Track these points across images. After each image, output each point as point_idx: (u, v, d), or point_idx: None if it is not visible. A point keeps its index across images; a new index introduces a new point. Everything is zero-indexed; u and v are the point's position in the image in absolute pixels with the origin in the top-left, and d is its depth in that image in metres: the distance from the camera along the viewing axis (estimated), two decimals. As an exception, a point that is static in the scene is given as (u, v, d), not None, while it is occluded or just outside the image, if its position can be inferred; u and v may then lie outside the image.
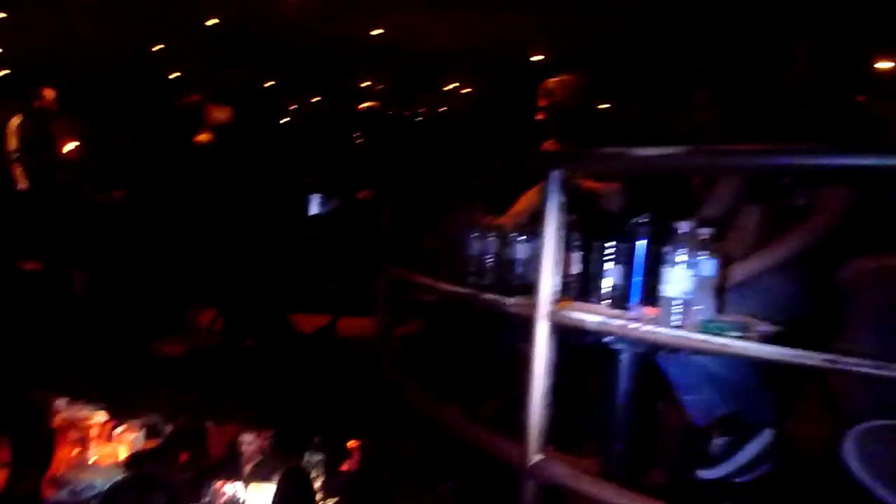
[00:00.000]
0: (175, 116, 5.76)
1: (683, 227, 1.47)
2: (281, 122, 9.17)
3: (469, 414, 1.92)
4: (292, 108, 9.76)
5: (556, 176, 1.20)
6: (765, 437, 2.01)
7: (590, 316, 1.48)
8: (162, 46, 7.89)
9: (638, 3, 4.94)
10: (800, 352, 0.98)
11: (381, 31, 6.36)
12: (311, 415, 3.02)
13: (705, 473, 1.97)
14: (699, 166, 1.16)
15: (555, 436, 1.62)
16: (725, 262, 2.15)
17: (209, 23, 6.75)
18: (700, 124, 2.69)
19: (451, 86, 8.97)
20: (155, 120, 6.62)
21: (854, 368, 0.93)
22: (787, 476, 1.96)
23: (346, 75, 8.66)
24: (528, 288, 1.36)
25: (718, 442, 2.04)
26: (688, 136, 2.92)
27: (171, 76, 8.84)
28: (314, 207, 5.37)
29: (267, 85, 8.84)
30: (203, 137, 4.65)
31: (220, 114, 4.67)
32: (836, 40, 2.15)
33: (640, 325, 1.23)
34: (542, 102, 3.15)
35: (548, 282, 1.25)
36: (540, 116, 3.10)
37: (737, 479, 1.96)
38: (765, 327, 1.62)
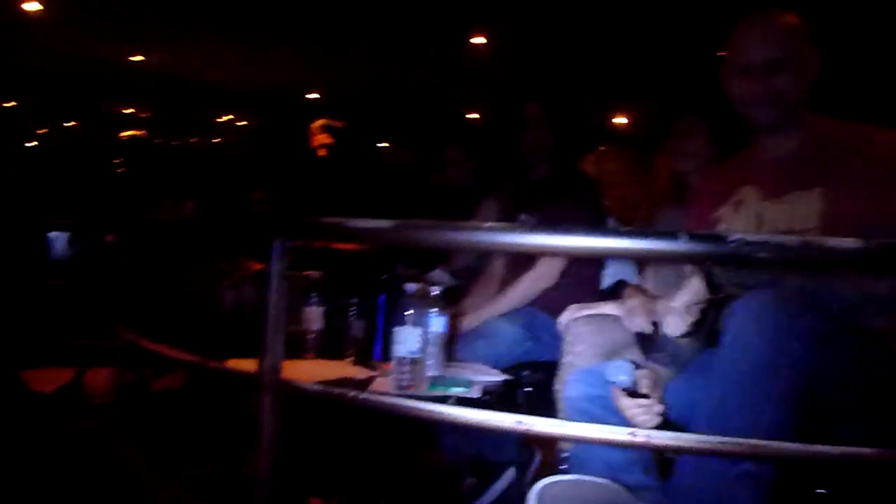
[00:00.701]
0: None
1: (411, 287, 1.53)
2: (25, 146, 8.14)
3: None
4: (41, 131, 8.75)
5: (277, 244, 1.17)
6: (508, 476, 2.15)
7: (316, 381, 1.47)
8: None
9: (404, 53, 5.18)
10: (496, 414, 1.05)
11: (141, 57, 5.96)
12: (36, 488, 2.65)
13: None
14: (408, 239, 1.20)
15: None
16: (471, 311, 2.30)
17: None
18: (452, 178, 2.88)
19: (226, 118, 8.67)
20: None
21: (536, 429, 1.01)
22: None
23: (107, 101, 7.99)
24: (254, 351, 1.32)
25: (469, 482, 2.14)
26: (442, 188, 3.10)
27: None
28: (58, 249, 4.80)
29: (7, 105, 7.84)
30: None
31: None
32: (567, 104, 2.40)
33: (360, 394, 1.25)
34: (317, 141, 3.20)
35: (271, 346, 1.23)
36: (322, 153, 3.14)
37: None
38: (492, 377, 1.74)
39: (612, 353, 1.94)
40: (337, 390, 1.30)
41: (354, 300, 1.84)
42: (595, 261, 2.29)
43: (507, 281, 2.34)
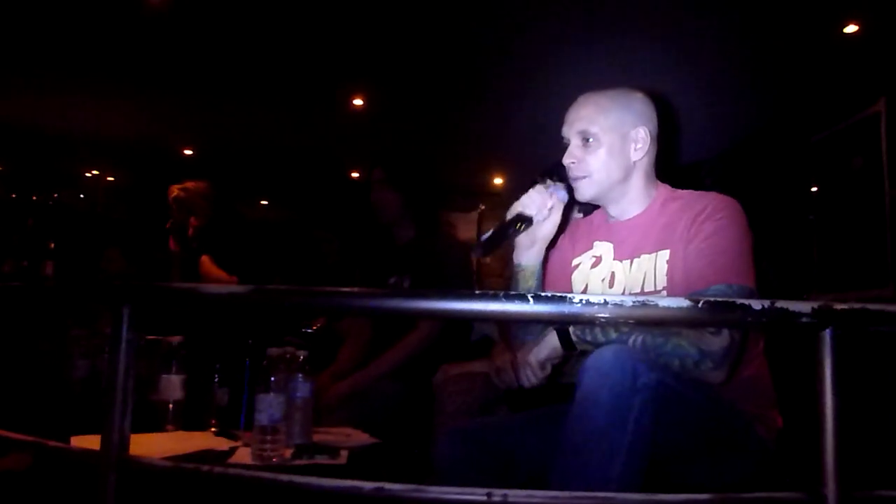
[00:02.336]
0: None
1: (273, 350, 1.49)
2: None
3: None
4: None
5: (125, 311, 1.11)
6: None
7: (172, 455, 1.38)
8: None
9: (283, 109, 5.16)
10: (351, 482, 1.03)
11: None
12: None
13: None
14: (265, 303, 1.17)
15: None
16: (337, 375, 2.26)
17: None
18: (326, 252, 2.88)
19: (93, 173, 8.21)
20: None
21: (397, 494, 1.00)
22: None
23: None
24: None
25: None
26: (312, 245, 3.09)
27: None
28: None
29: None
30: None
31: None
32: (423, 166, 2.47)
33: (215, 468, 1.18)
34: (175, 210, 3.05)
35: (117, 420, 1.15)
36: (168, 226, 2.99)
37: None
38: (360, 441, 1.71)
39: (482, 411, 1.97)
40: (188, 465, 1.23)
41: (218, 366, 1.77)
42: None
43: (375, 343, 2.34)
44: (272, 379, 1.49)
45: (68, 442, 1.50)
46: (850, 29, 3.46)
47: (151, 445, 1.52)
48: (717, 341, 1.24)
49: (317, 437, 1.66)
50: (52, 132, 6.32)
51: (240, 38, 3.99)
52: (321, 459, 1.46)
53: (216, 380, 1.77)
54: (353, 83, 4.67)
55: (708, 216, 1.36)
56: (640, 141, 1.46)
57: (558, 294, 0.92)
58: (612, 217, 1.54)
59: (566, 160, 1.48)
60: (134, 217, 7.10)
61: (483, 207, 7.03)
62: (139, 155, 6.79)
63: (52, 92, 5.18)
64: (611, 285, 1.48)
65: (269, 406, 1.46)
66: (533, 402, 1.64)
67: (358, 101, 4.92)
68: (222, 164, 6.43)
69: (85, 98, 5.29)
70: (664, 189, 1.51)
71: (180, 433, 1.73)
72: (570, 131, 1.48)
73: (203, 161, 6.57)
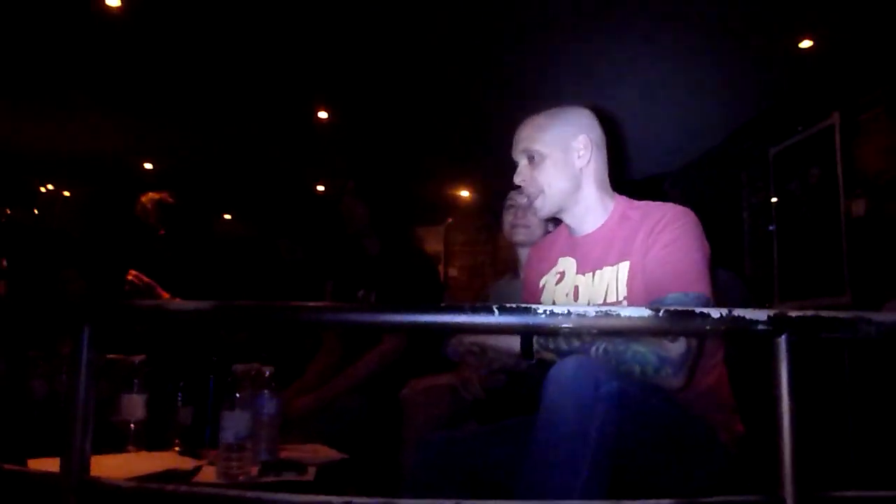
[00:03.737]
0: None
1: (238, 367, 1.49)
2: None
3: None
4: None
5: (86, 331, 1.10)
6: None
7: (134, 476, 1.37)
8: None
9: (245, 121, 5.13)
10: (320, 497, 1.03)
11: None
12: None
13: None
14: (234, 322, 1.17)
15: None
16: (303, 391, 2.25)
17: None
18: (287, 257, 2.87)
19: (48, 188, 8.04)
20: None
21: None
22: None
23: None
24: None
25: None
26: (277, 259, 3.08)
27: None
28: None
29: None
30: None
31: None
32: (392, 179, 2.49)
33: (179, 487, 1.17)
34: (149, 217, 3.08)
35: (78, 442, 1.13)
36: (162, 232, 3.02)
37: None
38: (328, 457, 1.70)
39: (450, 424, 1.98)
40: (152, 485, 1.21)
41: (181, 384, 1.75)
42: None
43: (344, 357, 2.34)
44: (237, 396, 1.48)
45: (25, 465, 1.47)
46: (806, 44, 3.58)
47: (113, 467, 1.50)
48: (675, 348, 1.28)
49: (284, 454, 1.65)
50: (5, 146, 6.19)
51: (200, 50, 3.96)
52: (288, 476, 1.45)
53: (179, 398, 1.75)
54: (318, 96, 4.67)
55: (664, 227, 1.41)
56: (581, 148, 1.54)
57: (523, 305, 0.94)
58: (574, 231, 1.58)
59: (517, 180, 1.56)
60: (92, 234, 6.96)
61: (451, 220, 7.07)
62: (97, 169, 6.68)
63: (3, 104, 5.08)
64: (575, 298, 1.52)
65: (234, 423, 1.45)
66: (500, 414, 1.66)
67: (323, 114, 4.92)
68: (184, 177, 6.35)
69: (40, 110, 5.19)
70: (622, 200, 1.56)
71: (143, 453, 1.71)
72: (517, 152, 1.57)
73: (164, 175, 6.48)
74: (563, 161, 1.52)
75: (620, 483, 1.15)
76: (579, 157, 1.53)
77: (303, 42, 3.80)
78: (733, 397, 1.49)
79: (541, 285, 1.64)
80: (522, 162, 1.55)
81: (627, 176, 5.58)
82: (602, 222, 1.54)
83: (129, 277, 2.35)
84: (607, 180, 1.58)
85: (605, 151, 1.57)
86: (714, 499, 0.91)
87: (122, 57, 4.08)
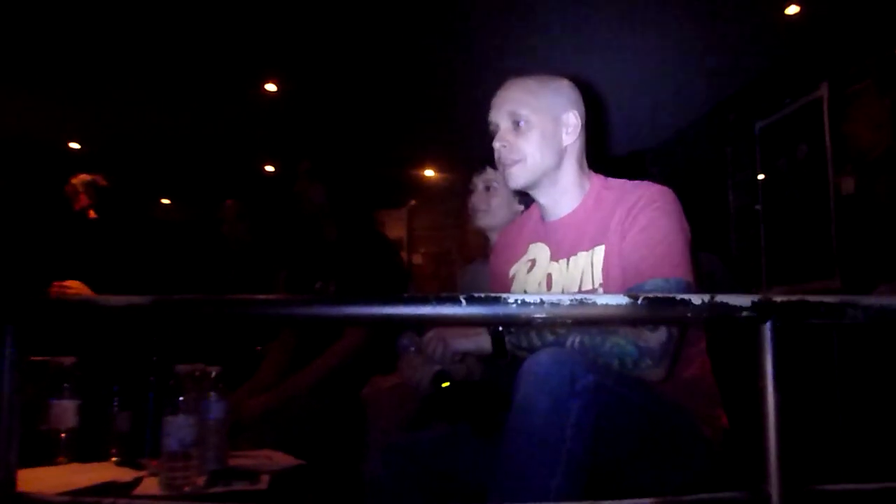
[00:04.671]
0: None
1: (182, 367, 1.48)
2: None
3: None
4: None
5: (8, 331, 1.08)
6: None
7: (66, 490, 1.35)
8: None
9: (184, 98, 5.04)
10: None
11: None
12: None
13: None
14: (171, 315, 1.16)
15: None
16: (255, 391, 2.24)
17: None
18: (229, 237, 2.83)
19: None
20: None
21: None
22: None
23: None
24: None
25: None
26: (222, 246, 3.05)
27: None
28: None
29: None
30: None
31: None
32: (352, 159, 2.48)
33: (118, 501, 1.17)
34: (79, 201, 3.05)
35: (2, 454, 1.11)
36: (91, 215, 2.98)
37: None
38: (282, 464, 1.70)
39: (418, 426, 1.99)
40: (88, 499, 1.20)
41: (117, 388, 1.73)
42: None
43: (300, 354, 2.33)
44: (181, 399, 1.47)
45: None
46: (792, 10, 3.65)
47: (43, 480, 1.48)
48: (655, 337, 1.30)
49: (233, 462, 1.65)
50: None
51: (130, 14, 3.87)
52: (239, 486, 1.45)
53: (115, 403, 1.73)
54: (266, 66, 4.61)
55: (642, 208, 1.42)
56: (570, 125, 1.54)
57: (492, 295, 0.95)
58: (547, 214, 1.59)
59: (497, 143, 1.54)
60: (7, 222, 6.78)
61: (413, 202, 7.06)
62: (15, 149, 6.50)
63: None
64: (548, 288, 1.53)
65: (178, 429, 1.44)
66: (474, 412, 1.67)
67: (271, 87, 4.86)
68: (117, 159, 6.22)
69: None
70: (597, 180, 1.57)
71: (76, 465, 1.69)
72: (499, 115, 1.54)
73: (94, 157, 6.33)
74: (551, 133, 1.51)
75: (598, 482, 1.18)
76: (567, 133, 1.53)
77: (247, 4, 3.74)
78: (717, 388, 1.53)
79: (510, 275, 1.65)
80: (505, 125, 1.53)
81: (606, 152, 5.64)
82: (577, 205, 1.55)
83: (53, 290, 2.29)
84: (585, 159, 1.59)
85: (585, 129, 1.58)
86: (694, 497, 0.94)
87: (41, 25, 3.97)
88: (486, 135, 1.59)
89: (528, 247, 1.63)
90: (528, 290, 1.57)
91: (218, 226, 2.87)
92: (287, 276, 2.51)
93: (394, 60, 4.38)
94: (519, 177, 1.52)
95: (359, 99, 5.00)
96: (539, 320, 0.96)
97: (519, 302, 0.95)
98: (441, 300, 0.99)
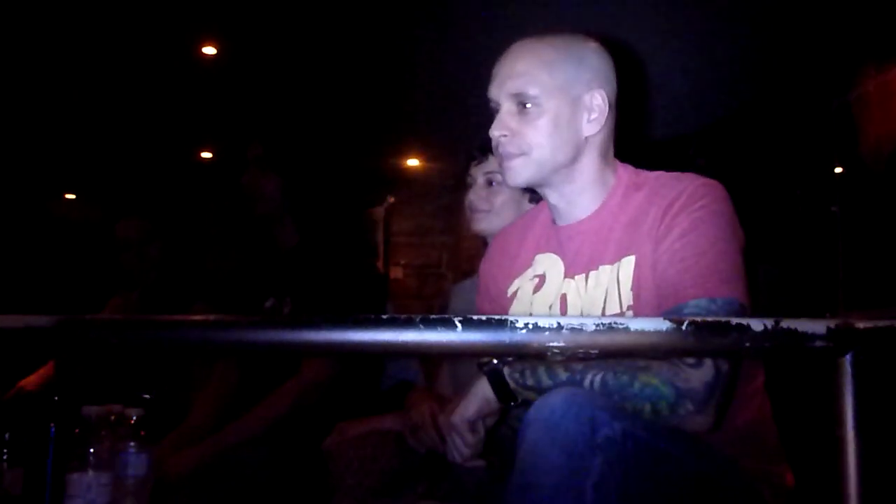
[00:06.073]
0: None
1: (91, 410, 1.48)
2: None
3: None
4: None
5: None
6: None
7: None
8: None
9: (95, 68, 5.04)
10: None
11: None
12: None
13: None
14: (77, 341, 1.17)
15: None
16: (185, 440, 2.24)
17: None
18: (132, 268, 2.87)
19: None
20: None
21: None
22: None
23: None
24: None
25: None
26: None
27: None
28: None
29: None
30: None
31: None
32: (298, 144, 2.49)
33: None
34: None
35: None
36: None
37: None
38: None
39: (394, 487, 2.00)
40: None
41: (5, 437, 1.73)
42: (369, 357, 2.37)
43: (243, 392, 2.34)
44: (90, 451, 1.48)
45: None
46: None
47: None
48: (698, 375, 1.30)
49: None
50: None
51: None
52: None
53: (4, 457, 1.73)
54: (203, 23, 4.60)
55: (682, 207, 1.42)
56: (595, 110, 1.50)
57: (496, 317, 0.95)
58: (560, 217, 1.57)
59: (495, 132, 1.50)
60: None
61: (392, 199, 7.06)
62: None
63: None
64: (562, 312, 1.53)
65: (86, 490, 1.45)
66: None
67: (209, 49, 4.86)
68: (11, 149, 6.19)
69: None
70: (625, 173, 1.56)
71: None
72: (501, 93, 1.50)
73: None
74: (567, 120, 1.47)
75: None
76: (590, 120, 1.50)
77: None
78: (778, 438, 1.53)
79: (510, 293, 1.65)
80: (507, 106, 1.49)
81: (639, 136, 5.65)
82: (598, 205, 1.54)
83: None
84: (612, 148, 1.58)
85: (616, 111, 1.55)
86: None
87: None
88: (486, 112, 1.56)
89: (533, 258, 1.62)
90: (535, 313, 1.56)
91: (123, 251, 2.88)
92: (234, 292, 2.53)
93: (368, 18, 4.38)
94: (520, 173, 1.50)
95: (323, 65, 5.00)
96: (556, 350, 0.96)
97: (530, 326, 0.95)
98: (429, 323, 0.99)
